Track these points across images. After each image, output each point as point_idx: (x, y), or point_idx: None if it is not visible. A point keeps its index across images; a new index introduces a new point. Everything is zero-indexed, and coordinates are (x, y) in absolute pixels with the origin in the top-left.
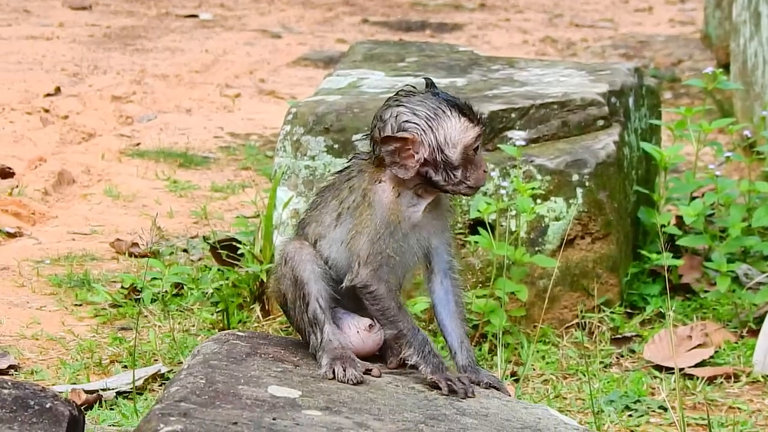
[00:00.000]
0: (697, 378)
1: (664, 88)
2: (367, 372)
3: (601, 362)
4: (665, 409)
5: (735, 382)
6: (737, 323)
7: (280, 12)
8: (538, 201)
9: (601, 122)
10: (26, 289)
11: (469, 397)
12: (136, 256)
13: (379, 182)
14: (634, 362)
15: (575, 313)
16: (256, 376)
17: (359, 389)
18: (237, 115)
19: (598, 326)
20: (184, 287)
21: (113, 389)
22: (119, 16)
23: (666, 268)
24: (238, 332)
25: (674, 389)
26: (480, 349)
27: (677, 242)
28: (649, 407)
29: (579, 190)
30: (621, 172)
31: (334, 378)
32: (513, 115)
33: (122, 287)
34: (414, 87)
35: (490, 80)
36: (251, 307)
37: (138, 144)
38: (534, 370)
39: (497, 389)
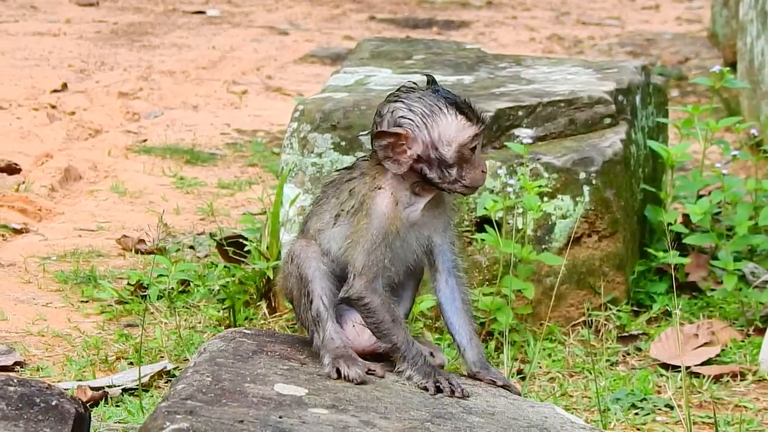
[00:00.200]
0: (704, 376)
1: (670, 87)
2: (370, 372)
3: (607, 360)
4: (671, 408)
5: (741, 380)
6: (744, 322)
7: (287, 9)
8: (545, 199)
9: (608, 120)
10: (32, 285)
11: (456, 395)
12: (142, 253)
13: (378, 189)
14: (640, 360)
15: (582, 311)
16: (262, 374)
17: (365, 387)
18: (244, 111)
19: (605, 324)
20: (191, 284)
21: (119, 386)
22: (126, 13)
23: (673, 267)
24: (244, 330)
25: (680, 387)
26: (486, 347)
27: (684, 240)
28: (655, 405)
29: (586, 188)
30: (628, 170)
31: (338, 377)
32: (520, 113)
33: (128, 284)
34: (415, 84)
35: (497, 78)
36: (258, 304)
37: (144, 140)
38: (540, 368)
39: (508, 388)
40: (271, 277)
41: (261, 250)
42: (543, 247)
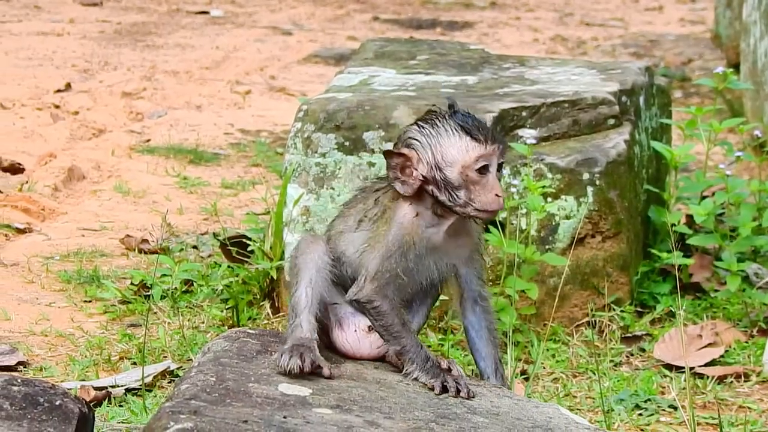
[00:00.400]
0: (707, 377)
1: (674, 88)
2: (317, 369)
3: (611, 361)
4: (675, 408)
5: (745, 381)
6: (747, 322)
7: (290, 9)
8: (549, 199)
9: (611, 121)
10: (35, 285)
11: (461, 396)
12: (145, 253)
13: (400, 200)
14: (644, 361)
15: (585, 312)
16: (266, 374)
17: (370, 388)
18: (247, 111)
19: (609, 325)
20: (194, 284)
21: (122, 386)
22: (130, 13)
23: (676, 267)
24: (248, 330)
25: (684, 388)
26: None
27: (687, 241)
28: (659, 406)
29: (589, 189)
30: (631, 171)
31: (279, 368)
32: (524, 114)
33: (132, 284)
34: (438, 107)
35: (501, 78)
36: (261, 304)
37: (148, 140)
38: (544, 368)
39: None
40: (275, 277)
41: (264, 250)
42: (546, 247)
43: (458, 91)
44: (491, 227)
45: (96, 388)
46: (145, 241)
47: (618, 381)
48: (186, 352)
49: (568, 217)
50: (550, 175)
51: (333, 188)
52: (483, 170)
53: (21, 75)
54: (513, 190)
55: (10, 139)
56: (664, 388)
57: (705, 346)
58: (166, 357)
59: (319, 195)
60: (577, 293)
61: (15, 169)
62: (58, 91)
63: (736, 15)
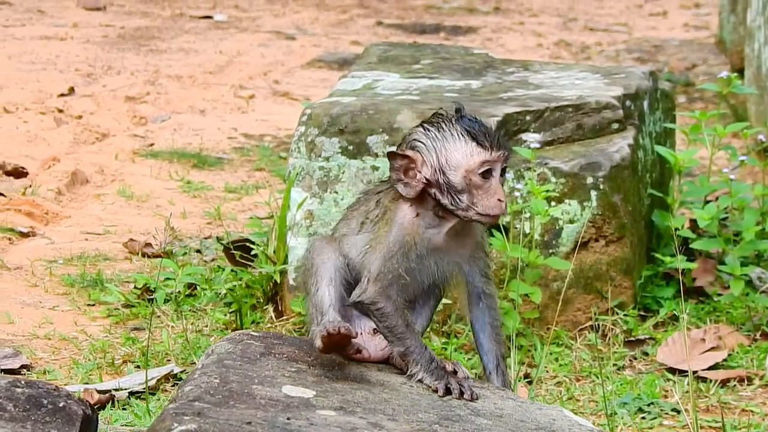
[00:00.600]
0: (710, 381)
1: (678, 93)
2: (357, 352)
3: (614, 365)
4: (678, 412)
5: (748, 384)
6: (750, 326)
7: (294, 14)
8: (553, 203)
9: (615, 125)
10: (39, 288)
11: (465, 398)
12: (149, 257)
13: (401, 201)
14: (647, 365)
15: (589, 316)
16: (270, 375)
17: (374, 389)
18: (251, 116)
19: (612, 329)
20: (198, 288)
21: (126, 389)
22: (133, 17)
23: (680, 271)
24: (252, 332)
25: (687, 392)
26: None
27: (691, 245)
28: (662, 410)
29: (593, 193)
30: (635, 175)
31: (327, 336)
32: (528, 118)
33: (135, 287)
34: (445, 111)
35: (505, 83)
36: (264, 307)
37: (152, 144)
38: (547, 372)
39: None
40: (278, 281)
41: (268, 254)
42: (550, 251)
43: (462, 96)
44: (495, 231)
45: (99, 392)
46: (148, 245)
47: (621, 384)
48: (189, 356)
49: (571, 221)
50: (553, 179)
51: (336, 192)
52: (486, 175)
53: (24, 79)
54: (517, 194)
55: (13, 143)
56: (667, 391)
57: (708, 350)
58: (169, 360)
59: (322, 199)
60: (580, 297)
61: (18, 173)
62: (62, 95)
63: (741, 20)
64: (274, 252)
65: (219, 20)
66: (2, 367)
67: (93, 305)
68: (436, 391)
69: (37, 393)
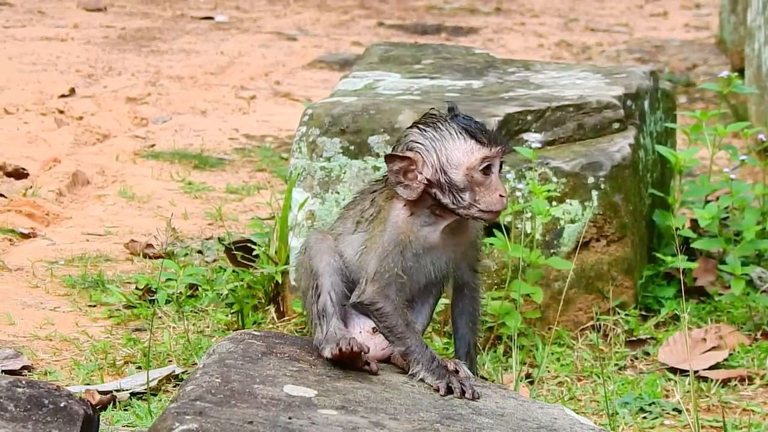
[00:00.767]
0: (711, 380)
1: (678, 93)
2: (365, 365)
3: (615, 364)
4: (679, 412)
5: (749, 384)
6: (751, 326)
7: (295, 14)
8: (554, 203)
9: (616, 125)
10: (40, 289)
11: (466, 397)
12: (150, 257)
13: (395, 200)
14: (648, 365)
15: (590, 316)
16: (271, 375)
17: (375, 389)
18: (252, 117)
19: (613, 328)
20: (199, 288)
21: (127, 390)
22: (134, 18)
23: (681, 271)
24: (253, 332)
25: (688, 391)
26: (495, 351)
27: (692, 245)
28: (663, 409)
29: (594, 193)
30: (636, 174)
31: (340, 354)
32: (529, 118)
33: (137, 288)
34: (437, 111)
35: (506, 83)
36: (266, 308)
37: (153, 145)
38: (549, 372)
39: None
40: (280, 282)
41: (269, 255)
42: (551, 251)
43: (463, 95)
44: (496, 231)
45: (101, 392)
46: (149, 245)
47: (622, 384)
48: (191, 357)
49: (573, 221)
50: (555, 179)
51: (338, 192)
52: (486, 171)
53: (25, 80)
54: (518, 194)
55: (14, 144)
56: (668, 391)
57: (709, 350)
58: (171, 361)
59: (324, 199)
60: (581, 297)
61: (19, 174)
62: (63, 96)
63: (741, 20)
64: (275, 252)
65: (220, 21)
66: (3, 368)
67: (94, 306)
68: (437, 390)
69: (38, 393)
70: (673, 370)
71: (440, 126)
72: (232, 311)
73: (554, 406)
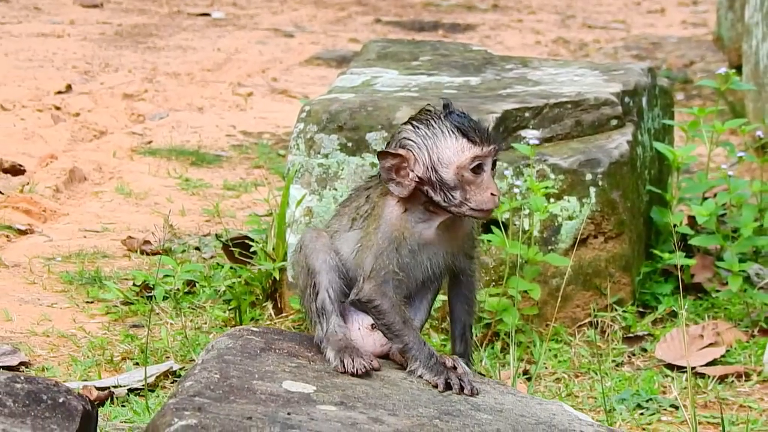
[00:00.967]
0: (709, 377)
1: (676, 90)
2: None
3: (613, 361)
4: (677, 408)
5: (746, 381)
6: (748, 322)
7: (292, 11)
8: (552, 200)
9: (614, 122)
10: (37, 286)
11: (465, 393)
12: (148, 254)
13: (388, 196)
14: (645, 361)
15: (588, 312)
16: (270, 371)
17: (374, 385)
18: (249, 113)
19: (611, 325)
20: (197, 285)
21: (125, 386)
22: (131, 14)
23: (678, 268)
24: (252, 328)
25: (686, 388)
26: (492, 348)
27: (689, 242)
28: (660, 406)
29: (592, 190)
30: (634, 171)
31: (344, 370)
32: (527, 114)
33: (134, 285)
34: (432, 107)
35: (504, 79)
36: (264, 304)
37: (150, 142)
38: (546, 368)
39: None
40: (278, 278)
41: (267, 251)
42: (549, 248)
43: (461, 92)
44: (494, 228)
45: (98, 389)
46: (147, 242)
47: (620, 381)
48: (188, 353)
49: (570, 218)
50: (552, 176)
51: (336, 189)
52: (477, 170)
53: (21, 76)
54: (516, 190)
55: (10, 141)
56: (665, 387)
57: (706, 346)
58: (168, 357)
59: (321, 196)
60: (579, 294)
61: (16, 170)
62: (59, 92)
63: (738, 17)
64: (273, 249)
65: (217, 18)
66: (1, 365)
67: (91, 302)
68: (436, 386)
69: (37, 388)
70: (671, 367)
71: (433, 123)
72: (229, 308)
73: (553, 402)
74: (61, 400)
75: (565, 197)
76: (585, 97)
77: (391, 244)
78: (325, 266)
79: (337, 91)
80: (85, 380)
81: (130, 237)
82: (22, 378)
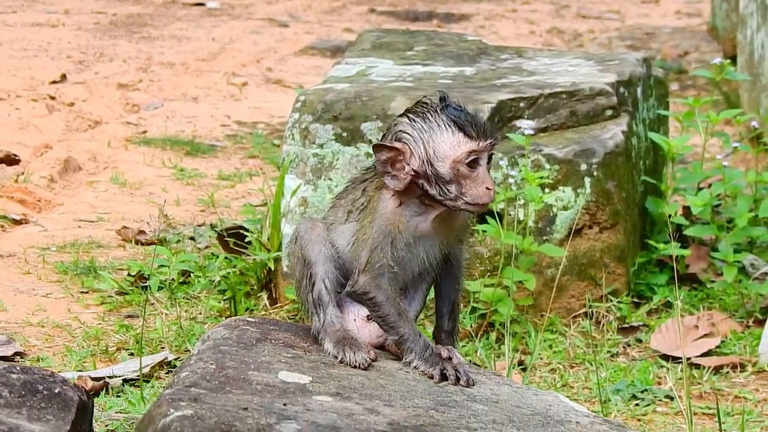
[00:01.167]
0: (704, 367)
1: (670, 80)
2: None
3: (608, 351)
4: (672, 399)
5: (741, 371)
6: (743, 313)
7: (287, 1)
8: (547, 190)
9: (609, 112)
10: (32, 276)
11: (461, 383)
12: (142, 244)
13: (384, 189)
14: (640, 352)
15: (583, 303)
16: (266, 361)
17: (370, 375)
18: (244, 103)
19: (606, 316)
20: (191, 275)
21: (120, 376)
22: (125, 4)
23: (673, 258)
24: (248, 318)
25: (681, 378)
26: (487, 338)
27: (684, 232)
28: (655, 396)
29: (587, 180)
30: (629, 162)
31: (343, 362)
32: (522, 105)
33: (129, 275)
34: (429, 100)
35: (498, 69)
36: (259, 295)
37: (144, 132)
38: (541, 359)
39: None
40: (272, 268)
41: (262, 241)
42: (544, 238)
43: (456, 82)
44: (489, 218)
45: (93, 379)
46: (141, 232)
47: (615, 371)
48: (183, 343)
49: (565, 208)
50: (547, 166)
51: (331, 179)
52: (473, 164)
53: (16, 66)
54: (511, 180)
55: (5, 131)
56: (660, 378)
57: (701, 337)
58: (163, 348)
59: (316, 186)
60: (574, 284)
61: (11, 160)
62: (54, 82)
63: (733, 7)
64: (268, 239)
65: (211, 7)
66: None
67: (86, 292)
68: (431, 377)
69: (33, 379)
70: (666, 357)
71: (429, 117)
72: (224, 298)
73: (548, 392)
74: (57, 391)
75: (560, 187)
76: (580, 88)
77: (386, 238)
78: (321, 257)
79: (332, 81)
80: (80, 370)
81: (124, 227)
82: (18, 368)
